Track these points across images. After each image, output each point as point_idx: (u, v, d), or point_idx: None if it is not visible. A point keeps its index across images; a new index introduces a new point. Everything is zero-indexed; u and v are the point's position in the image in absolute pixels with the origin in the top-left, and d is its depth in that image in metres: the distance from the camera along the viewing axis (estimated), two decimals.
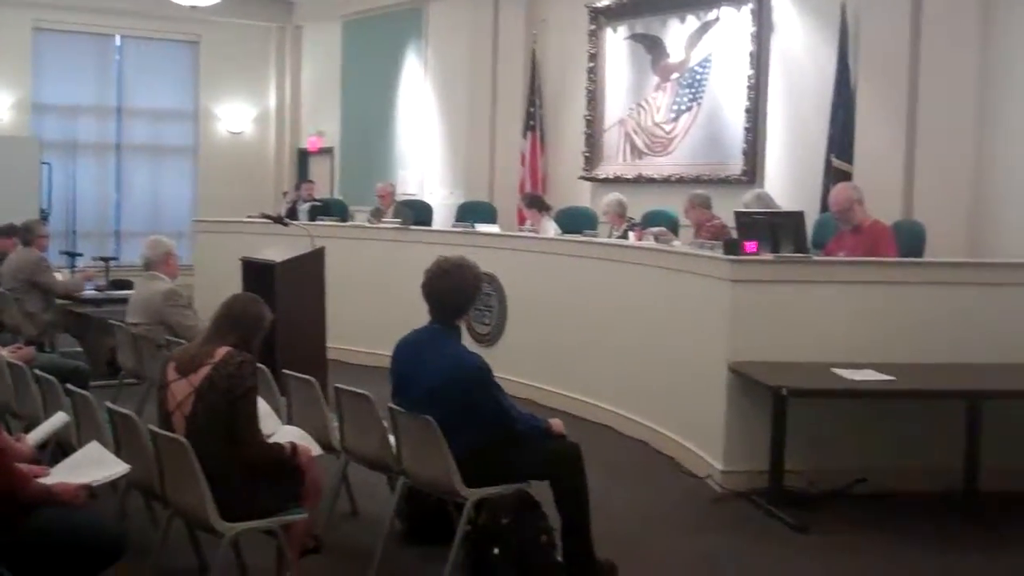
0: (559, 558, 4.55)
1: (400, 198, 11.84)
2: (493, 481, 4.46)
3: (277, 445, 4.32)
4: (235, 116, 15.70)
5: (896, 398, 5.84)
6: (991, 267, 6.70)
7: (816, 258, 6.76)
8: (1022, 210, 8.00)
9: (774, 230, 6.67)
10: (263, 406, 4.53)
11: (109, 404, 4.67)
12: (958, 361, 6.06)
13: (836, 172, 8.67)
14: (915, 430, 6.04)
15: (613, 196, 9.42)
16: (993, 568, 5.08)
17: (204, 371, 4.19)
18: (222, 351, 4.23)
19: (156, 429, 4.24)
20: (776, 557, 5.15)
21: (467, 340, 7.74)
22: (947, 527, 5.57)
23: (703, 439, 6.36)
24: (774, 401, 5.70)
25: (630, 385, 7.32)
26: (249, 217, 10.23)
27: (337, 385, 5.00)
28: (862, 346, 6.05)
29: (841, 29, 8.90)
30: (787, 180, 9.59)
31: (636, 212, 9.32)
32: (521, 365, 8.11)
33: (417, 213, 10.51)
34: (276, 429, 4.64)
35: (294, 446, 4.36)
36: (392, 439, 4.71)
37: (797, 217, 6.83)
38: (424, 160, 13.46)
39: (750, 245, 6.36)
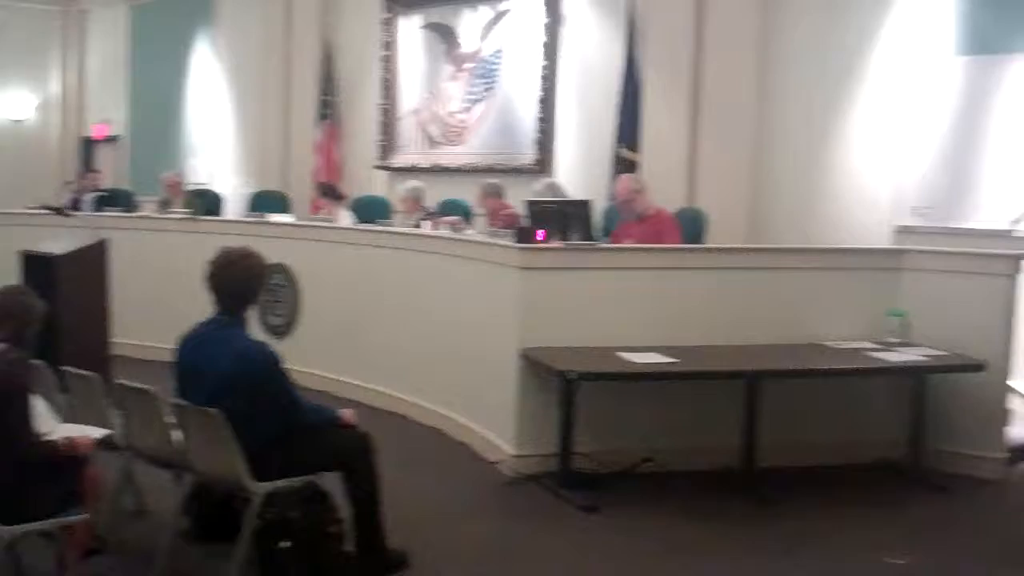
0: (350, 548, 4.55)
1: (191, 187, 11.57)
2: (283, 474, 4.42)
3: (51, 443, 4.19)
4: (16, 103, 15.04)
5: (679, 379, 6.03)
6: (768, 252, 6.99)
7: (603, 245, 6.93)
8: (796, 199, 8.40)
9: (564, 218, 6.83)
10: (38, 404, 4.37)
11: None
12: (738, 343, 6.32)
13: (624, 162, 8.90)
14: (698, 410, 6.27)
15: (411, 183, 9.44)
16: (767, 539, 5.31)
17: None
18: None
19: None
20: (565, 537, 5.27)
21: (260, 332, 7.67)
22: (727, 502, 5.80)
23: (495, 425, 6.44)
24: (562, 385, 5.82)
25: (425, 373, 7.35)
26: (28, 208, 9.82)
27: (119, 380, 4.87)
28: (647, 330, 6.23)
29: (628, 21, 9.13)
30: (578, 169, 9.81)
31: (431, 201, 9.36)
32: (316, 356, 8.05)
33: (207, 203, 10.29)
34: (53, 428, 4.48)
35: (70, 439, 4.23)
36: (178, 434, 4.61)
37: (585, 205, 7.00)
38: (216, 149, 13.18)
39: (540, 233, 6.48)
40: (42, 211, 8.44)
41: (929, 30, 7.85)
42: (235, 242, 4.88)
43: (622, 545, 5.20)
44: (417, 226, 8.47)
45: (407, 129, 11.43)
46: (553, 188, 8.32)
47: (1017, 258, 6.48)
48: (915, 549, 5.17)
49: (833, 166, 8.34)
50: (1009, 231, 7.39)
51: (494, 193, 8.81)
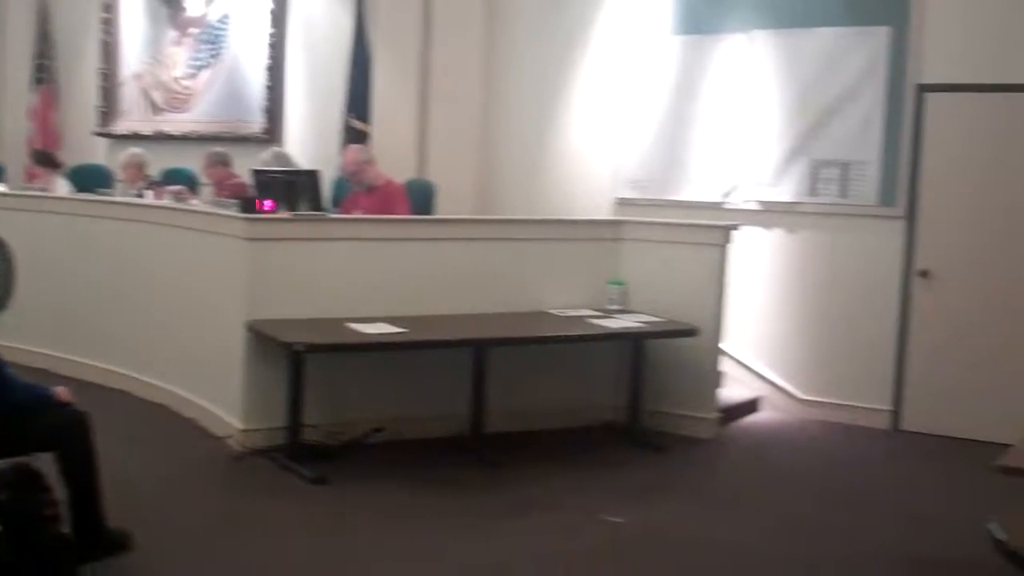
0: (67, 530, 4.38)
1: None
2: None
3: None
4: None
5: (408, 349, 6.06)
6: (494, 223, 7.15)
7: (331, 216, 6.90)
8: (522, 171, 8.61)
9: (291, 188, 6.74)
10: None
11: None
12: (466, 312, 6.42)
13: (354, 132, 8.85)
14: (428, 379, 6.34)
15: (131, 150, 9.12)
16: (495, 502, 5.44)
17: None
18: None
19: None
20: (294, 511, 5.22)
21: None
22: (457, 469, 5.90)
23: (223, 399, 6.31)
24: (290, 358, 5.77)
25: (150, 348, 7.12)
26: None
27: None
28: (376, 300, 6.24)
29: None
30: (307, 139, 9.70)
31: (155, 169, 9.06)
32: (32, 332, 7.66)
33: None
34: None
35: None
36: None
37: (313, 175, 6.94)
38: None
39: (267, 203, 6.38)
40: None
41: (647, 10, 8.15)
42: None
43: (351, 516, 5.20)
44: (139, 196, 8.19)
45: (129, 95, 11.01)
46: (280, 157, 8.20)
47: (727, 229, 6.85)
48: (633, 507, 5.41)
49: (557, 139, 8.57)
50: (720, 203, 7.80)
51: (220, 162, 8.62)
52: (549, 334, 6.37)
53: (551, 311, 6.65)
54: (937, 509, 5.63)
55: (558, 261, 6.85)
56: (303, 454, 5.82)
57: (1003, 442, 4.48)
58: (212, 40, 10.37)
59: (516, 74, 8.72)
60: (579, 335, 6.36)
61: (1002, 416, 6.62)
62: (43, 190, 8.85)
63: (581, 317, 6.54)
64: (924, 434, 7.11)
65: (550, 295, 6.76)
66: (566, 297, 6.78)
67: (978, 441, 6.63)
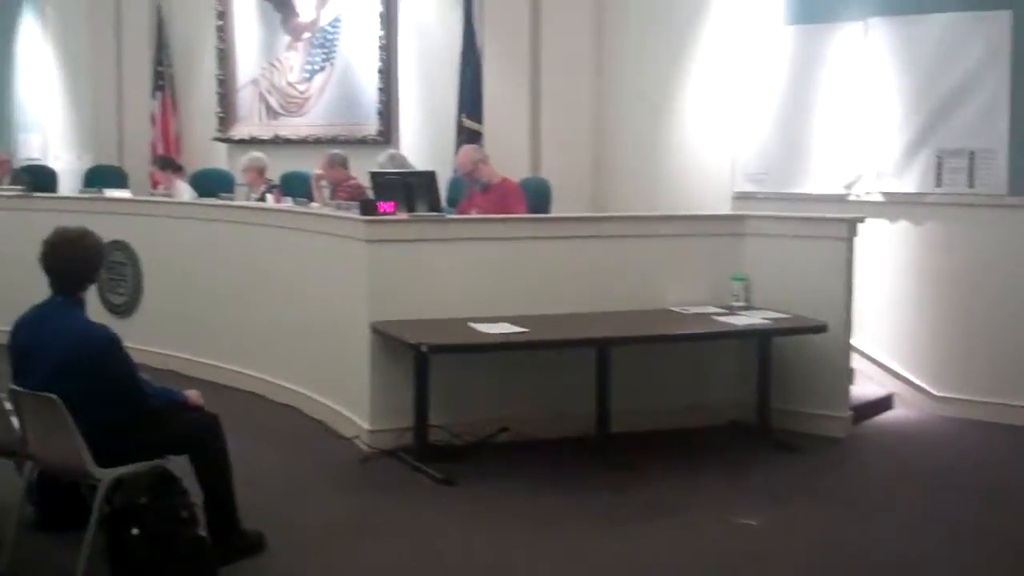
0: (203, 533, 4.44)
1: (23, 164, 11.10)
2: (129, 459, 4.28)
3: None
4: None
5: (531, 348, 6.01)
6: (613, 221, 7.06)
7: (449, 216, 6.90)
8: (637, 166, 8.53)
9: (408, 190, 6.79)
10: None
11: None
12: (587, 311, 6.35)
13: (467, 132, 8.87)
14: (552, 378, 6.29)
15: (252, 155, 9.24)
16: (623, 504, 5.38)
17: None
18: None
19: None
20: (423, 511, 5.24)
21: (100, 312, 7.44)
22: (583, 470, 5.84)
23: (350, 400, 6.36)
24: (415, 358, 5.78)
25: (276, 350, 7.20)
26: None
27: None
28: (497, 300, 6.21)
29: None
30: (421, 140, 9.76)
31: (274, 173, 9.18)
32: (161, 335, 7.83)
33: (38, 179, 9.88)
34: None
35: None
36: (16, 421, 4.42)
37: (430, 176, 6.97)
38: (48, 123, 12.62)
39: (385, 205, 6.39)
40: None
41: (759, 0, 8.00)
42: (71, 219, 4.71)
43: (478, 517, 5.19)
44: (261, 199, 8.30)
45: (247, 100, 11.18)
46: (395, 159, 8.25)
47: (853, 221, 6.68)
48: (767, 509, 5.29)
49: (671, 133, 8.46)
50: (842, 195, 7.61)
51: (338, 164, 8.68)
52: (673, 332, 6.28)
53: (673, 308, 6.54)
54: None
55: (679, 257, 6.75)
56: (430, 454, 5.82)
57: None
58: (324, 44, 10.48)
59: (628, 67, 8.63)
60: (707, 332, 6.23)
61: None
62: (166, 195, 9.04)
63: (706, 314, 6.42)
64: None
65: (671, 292, 6.65)
66: (688, 294, 6.67)
67: None
